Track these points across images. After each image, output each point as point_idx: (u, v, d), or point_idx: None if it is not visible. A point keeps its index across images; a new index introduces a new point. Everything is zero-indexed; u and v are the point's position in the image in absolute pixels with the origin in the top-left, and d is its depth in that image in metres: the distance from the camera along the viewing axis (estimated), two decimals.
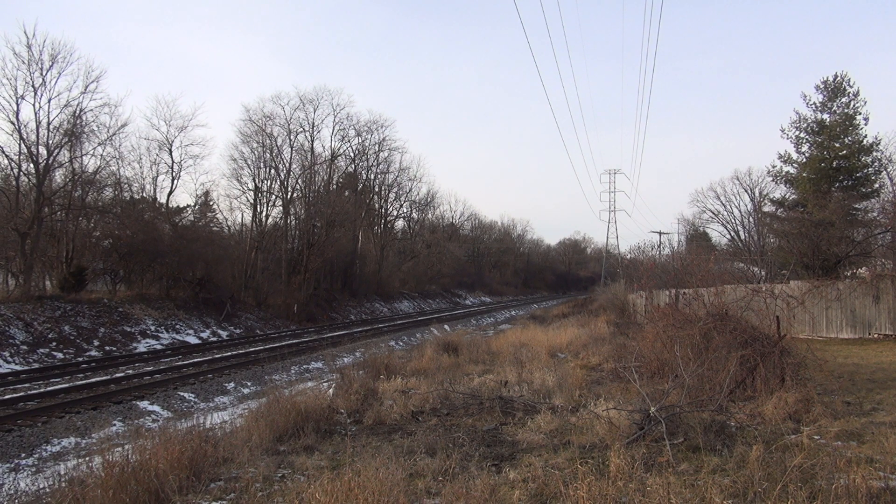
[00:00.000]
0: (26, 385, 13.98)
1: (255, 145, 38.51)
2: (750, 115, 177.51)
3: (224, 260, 32.00)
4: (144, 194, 33.51)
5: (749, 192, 39.12)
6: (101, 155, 28.01)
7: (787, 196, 33.66)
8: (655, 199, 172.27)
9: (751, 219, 38.47)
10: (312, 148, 43.98)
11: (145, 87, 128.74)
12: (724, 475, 5.29)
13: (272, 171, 38.80)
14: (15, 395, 12.15)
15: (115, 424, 10.65)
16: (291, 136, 41.14)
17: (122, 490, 5.17)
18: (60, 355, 18.84)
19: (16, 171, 24.98)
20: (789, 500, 4.38)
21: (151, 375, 15.26)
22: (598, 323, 22.93)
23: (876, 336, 17.56)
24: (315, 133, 44.38)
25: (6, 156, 24.73)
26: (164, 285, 29.20)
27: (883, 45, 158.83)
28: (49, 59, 24.46)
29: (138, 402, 12.20)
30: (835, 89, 29.80)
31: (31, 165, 24.76)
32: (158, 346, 22.27)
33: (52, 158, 24.93)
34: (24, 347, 18.37)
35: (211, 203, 40.46)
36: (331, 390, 10.67)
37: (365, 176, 52.15)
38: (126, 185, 31.92)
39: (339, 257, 42.89)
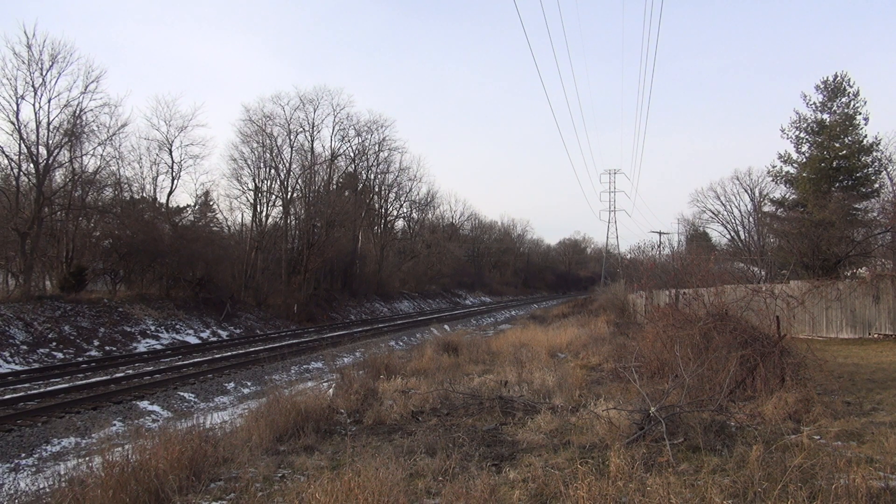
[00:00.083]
0: (26, 385, 13.98)
1: (255, 145, 38.58)
2: (750, 115, 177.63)
3: (224, 260, 32.00)
4: (144, 194, 33.55)
5: (749, 192, 39.18)
6: (101, 155, 28.08)
7: (787, 196, 33.69)
8: (655, 199, 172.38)
9: (751, 219, 38.50)
10: (312, 148, 44.03)
11: (145, 87, 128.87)
12: (724, 475, 5.29)
13: (272, 171, 38.86)
14: (15, 395, 12.15)
15: (115, 424, 10.65)
16: (291, 136, 41.20)
17: (122, 490, 5.17)
18: (60, 355, 18.84)
19: (16, 171, 25.01)
20: (789, 500, 4.38)
21: (151, 375, 15.25)
22: (597, 323, 22.93)
23: (876, 336, 17.56)
24: (315, 133, 44.44)
25: (6, 156, 24.78)
26: (164, 285, 29.21)
27: (883, 45, 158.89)
28: (49, 59, 24.50)
29: (138, 402, 12.20)
30: (835, 89, 29.81)
31: (31, 165, 24.78)
32: (158, 346, 22.26)
33: (52, 158, 24.94)
34: (24, 347, 18.38)
35: (211, 203, 40.50)
36: (331, 390, 10.66)
37: (365, 176, 52.18)
38: (126, 185, 31.97)
39: (339, 257, 42.88)
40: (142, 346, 21.88)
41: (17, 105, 23.97)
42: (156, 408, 12.11)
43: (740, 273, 22.09)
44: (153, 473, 5.43)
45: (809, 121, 30.66)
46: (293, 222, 40.27)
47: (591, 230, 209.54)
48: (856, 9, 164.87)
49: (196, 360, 18.32)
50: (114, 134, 28.07)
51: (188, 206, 37.50)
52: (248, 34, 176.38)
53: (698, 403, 7.59)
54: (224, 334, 26.71)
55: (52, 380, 14.71)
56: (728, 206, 40.08)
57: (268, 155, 38.53)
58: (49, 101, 24.59)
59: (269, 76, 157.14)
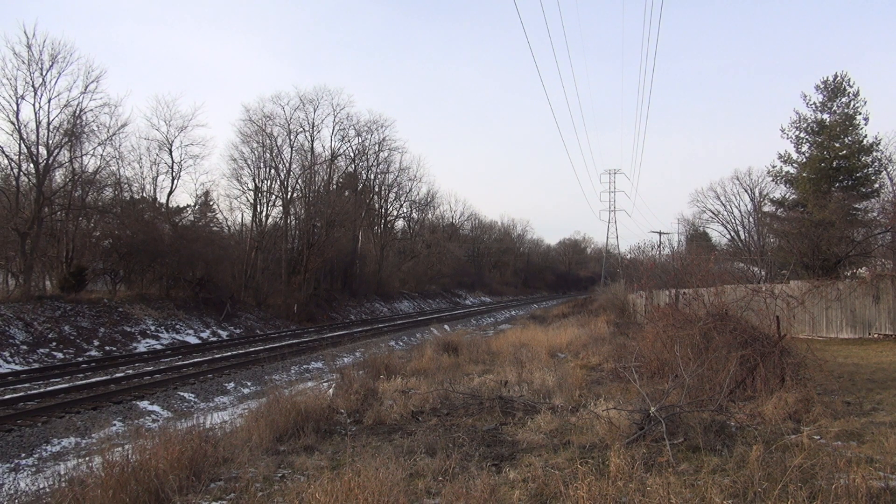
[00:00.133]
0: (26, 385, 13.98)
1: (255, 145, 38.58)
2: (750, 115, 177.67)
3: (224, 260, 32.01)
4: (144, 194, 33.55)
5: (749, 192, 39.19)
6: (101, 155, 28.09)
7: (787, 196, 33.69)
8: (655, 199, 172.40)
9: (751, 219, 38.51)
10: (312, 148, 44.03)
11: (145, 87, 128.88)
12: (724, 475, 5.29)
13: (272, 171, 38.86)
14: (15, 395, 12.15)
15: (115, 424, 10.65)
16: (291, 136, 41.20)
17: (122, 490, 5.17)
18: (60, 355, 18.84)
19: (16, 171, 25.01)
20: (789, 500, 4.38)
21: (151, 375, 15.25)
22: (597, 323, 22.93)
23: (876, 336, 17.56)
24: (315, 133, 44.44)
25: (6, 156, 24.79)
26: (164, 285, 29.21)
27: (883, 45, 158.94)
28: (49, 59, 24.51)
29: (138, 402, 12.20)
30: (835, 89, 29.81)
31: (31, 165, 24.78)
32: (158, 346, 22.27)
33: (52, 158, 24.95)
34: (24, 347, 18.38)
35: (211, 203, 40.50)
36: (331, 390, 10.66)
37: (365, 176, 52.18)
38: (126, 185, 31.98)
39: (339, 257, 42.89)
40: (142, 346, 21.88)
41: (17, 105, 24.02)
42: (156, 408, 12.11)
43: (740, 273, 22.10)
44: (153, 473, 5.43)
45: (809, 121, 30.67)
46: (293, 222, 40.29)
47: (591, 230, 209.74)
48: (856, 9, 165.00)
49: (196, 360, 18.32)
50: (114, 134, 28.13)
51: (188, 206, 37.55)
52: (248, 34, 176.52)
53: (698, 403, 7.59)
54: (224, 334, 26.71)
55: (52, 380, 14.71)
56: (728, 206, 40.14)
57: (268, 155, 38.58)
58: (49, 101, 24.65)
59: (269, 76, 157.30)
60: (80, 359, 18.64)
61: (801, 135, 31.01)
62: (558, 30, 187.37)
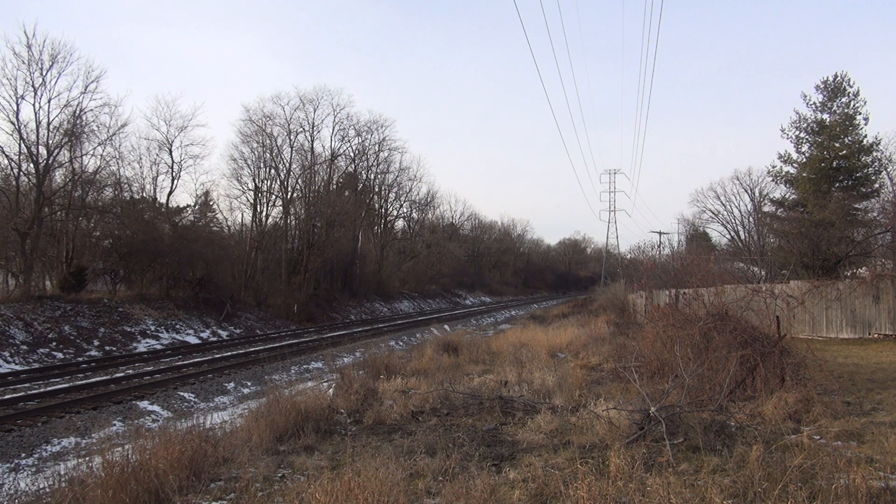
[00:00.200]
0: (26, 385, 13.98)
1: (255, 145, 38.60)
2: (750, 115, 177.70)
3: (224, 260, 32.01)
4: (144, 194, 33.55)
5: (749, 192, 39.18)
6: (101, 155, 28.09)
7: (787, 196, 33.70)
8: (655, 199, 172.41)
9: (751, 219, 38.51)
10: (312, 148, 44.03)
11: (145, 87, 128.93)
12: (724, 475, 5.29)
13: (272, 171, 38.87)
14: (15, 395, 12.15)
15: (115, 424, 10.65)
16: (291, 136, 41.21)
17: (122, 490, 5.17)
18: (60, 355, 18.84)
19: (16, 171, 25.01)
20: (789, 500, 4.38)
21: (151, 375, 15.25)
22: (597, 323, 22.93)
23: (876, 336, 17.56)
24: (315, 133, 44.44)
25: (6, 156, 24.79)
26: (164, 285, 29.21)
27: (883, 45, 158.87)
28: (49, 59, 24.51)
29: (138, 402, 12.20)
30: (835, 89, 29.82)
31: (31, 165, 24.78)
32: (158, 346, 22.26)
33: (52, 158, 24.95)
34: (24, 347, 18.38)
35: (211, 203, 40.50)
36: (331, 390, 10.66)
37: (365, 176, 52.17)
38: (126, 185, 31.98)
39: (339, 257, 42.88)
40: (142, 346, 21.88)
41: (17, 105, 24.02)
42: (156, 408, 12.11)
43: (740, 273, 22.09)
44: (153, 473, 5.43)
45: (809, 121, 30.68)
46: (293, 222, 40.29)
47: (591, 230, 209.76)
48: (856, 9, 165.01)
49: (196, 359, 18.32)
50: (114, 134, 28.12)
51: (188, 206, 37.56)
52: (249, 34, 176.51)
53: (698, 403, 7.59)
54: (224, 334, 26.71)
55: (52, 380, 14.71)
56: (728, 206, 40.14)
57: (268, 155, 38.59)
58: (49, 101, 24.65)
59: (269, 76, 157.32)
60: (80, 359, 18.64)
61: (801, 135, 31.03)
62: (558, 30, 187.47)
